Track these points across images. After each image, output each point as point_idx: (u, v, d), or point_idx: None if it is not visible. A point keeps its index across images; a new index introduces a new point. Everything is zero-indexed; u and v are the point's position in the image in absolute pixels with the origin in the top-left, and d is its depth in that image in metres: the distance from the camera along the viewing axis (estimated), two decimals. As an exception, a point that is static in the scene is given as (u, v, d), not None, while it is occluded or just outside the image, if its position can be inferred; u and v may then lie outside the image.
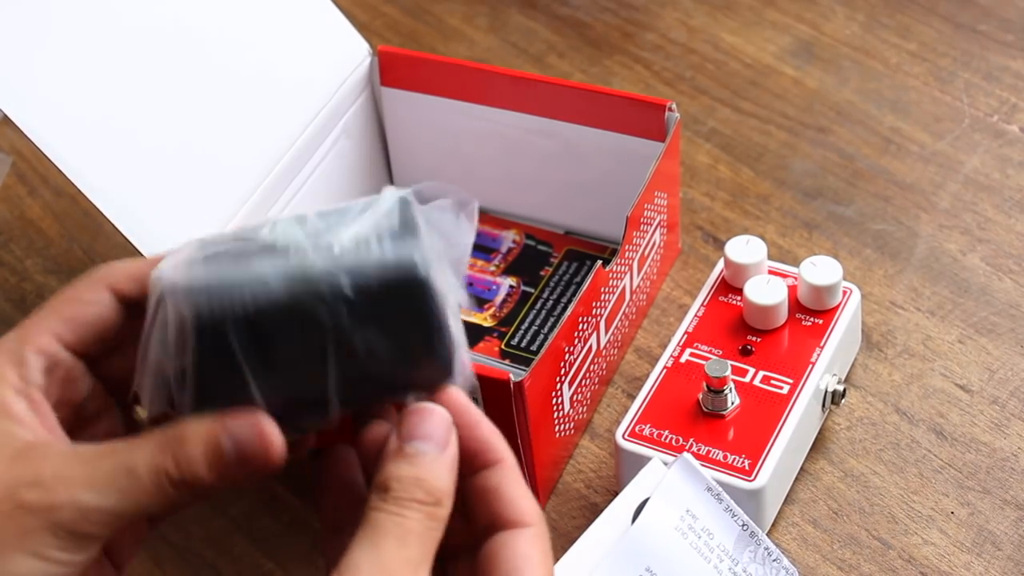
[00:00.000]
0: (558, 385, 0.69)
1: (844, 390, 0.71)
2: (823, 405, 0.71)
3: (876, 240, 0.82)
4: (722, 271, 0.75)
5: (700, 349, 0.72)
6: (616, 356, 0.77)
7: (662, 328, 0.79)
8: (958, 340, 0.77)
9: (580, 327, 0.70)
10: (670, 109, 0.76)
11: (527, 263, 0.83)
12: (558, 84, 0.79)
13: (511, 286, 0.81)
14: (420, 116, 0.83)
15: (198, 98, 0.74)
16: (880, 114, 0.90)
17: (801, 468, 0.71)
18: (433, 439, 0.47)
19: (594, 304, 0.71)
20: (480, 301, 0.81)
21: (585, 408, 0.74)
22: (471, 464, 0.49)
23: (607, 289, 0.73)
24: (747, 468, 0.66)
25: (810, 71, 0.94)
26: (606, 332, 0.74)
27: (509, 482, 0.48)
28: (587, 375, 0.73)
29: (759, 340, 0.72)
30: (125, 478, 0.49)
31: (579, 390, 0.72)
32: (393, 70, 0.82)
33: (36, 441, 0.50)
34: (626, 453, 0.68)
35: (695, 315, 0.73)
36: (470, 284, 0.81)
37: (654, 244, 0.78)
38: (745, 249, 0.74)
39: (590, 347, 0.72)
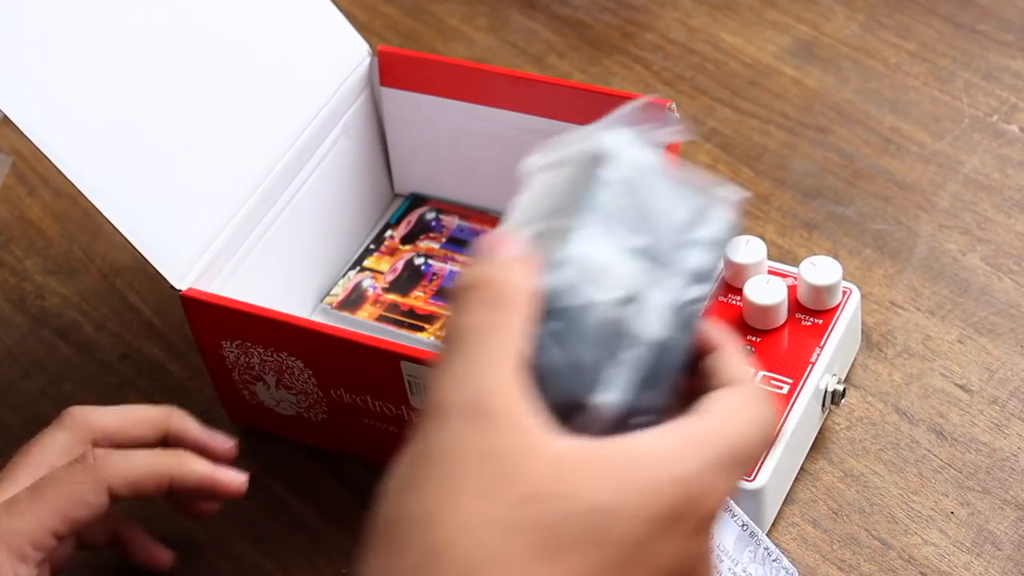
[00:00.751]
0: None
1: (844, 390, 0.71)
2: (823, 405, 0.71)
3: (876, 240, 0.82)
4: (722, 271, 0.75)
5: (700, 349, 0.71)
6: None
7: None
8: (958, 340, 0.77)
9: None
10: (670, 109, 0.76)
11: None
12: (558, 84, 0.79)
13: None
14: (420, 116, 0.83)
15: (198, 98, 0.74)
16: (880, 114, 0.90)
17: (801, 468, 0.71)
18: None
19: None
20: None
21: None
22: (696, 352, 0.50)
23: None
24: (747, 468, 0.66)
25: (810, 71, 0.94)
26: None
27: (726, 359, 0.49)
28: None
29: (759, 340, 0.72)
30: None
31: None
32: (393, 70, 0.82)
33: None
34: (626, 453, 0.68)
35: (695, 315, 0.73)
36: None
37: None
38: (745, 249, 0.74)
39: None
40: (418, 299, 0.81)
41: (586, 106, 0.78)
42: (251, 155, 0.75)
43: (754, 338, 0.72)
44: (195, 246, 0.71)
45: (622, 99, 0.77)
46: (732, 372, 0.49)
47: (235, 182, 0.74)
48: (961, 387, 0.74)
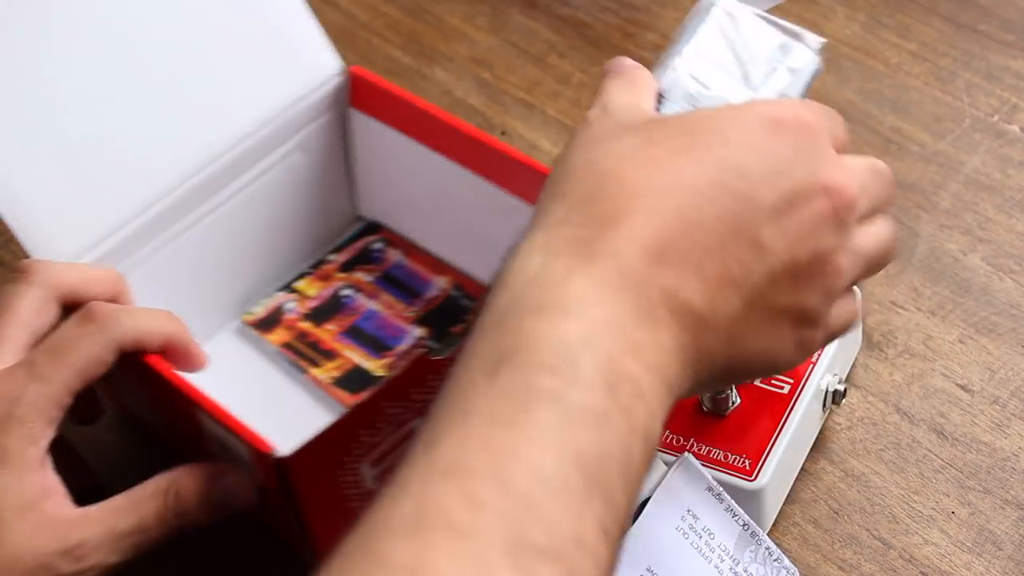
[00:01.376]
0: (351, 464, 0.65)
1: (845, 390, 0.71)
2: (824, 405, 0.71)
3: (877, 240, 0.82)
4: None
5: (701, 349, 0.71)
6: None
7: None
8: (959, 340, 0.77)
9: (390, 412, 0.64)
10: None
11: (443, 316, 0.79)
12: (515, 157, 0.73)
13: (417, 337, 0.78)
14: (384, 145, 0.79)
15: (121, 92, 0.71)
16: (880, 114, 0.90)
17: (802, 468, 0.71)
18: None
19: (413, 390, 0.65)
20: (381, 347, 0.77)
21: None
22: None
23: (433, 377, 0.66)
24: (748, 468, 0.66)
25: (811, 71, 0.94)
26: None
27: None
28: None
29: (760, 340, 0.71)
30: (140, 535, 0.60)
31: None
32: (363, 94, 0.78)
33: (57, 510, 0.59)
34: (627, 453, 0.68)
35: (696, 315, 0.73)
36: (381, 327, 0.78)
37: None
38: (746, 249, 0.73)
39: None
40: (327, 332, 0.78)
41: (536, 184, 0.74)
42: (175, 156, 0.72)
43: (755, 338, 0.72)
44: (84, 240, 0.69)
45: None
46: None
47: (148, 181, 0.71)
48: (962, 387, 0.74)
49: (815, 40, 0.65)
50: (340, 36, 1.02)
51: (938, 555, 0.67)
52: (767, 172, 0.50)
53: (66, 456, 0.64)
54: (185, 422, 0.65)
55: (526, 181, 0.73)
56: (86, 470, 0.71)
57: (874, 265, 0.55)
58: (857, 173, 0.54)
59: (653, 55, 0.97)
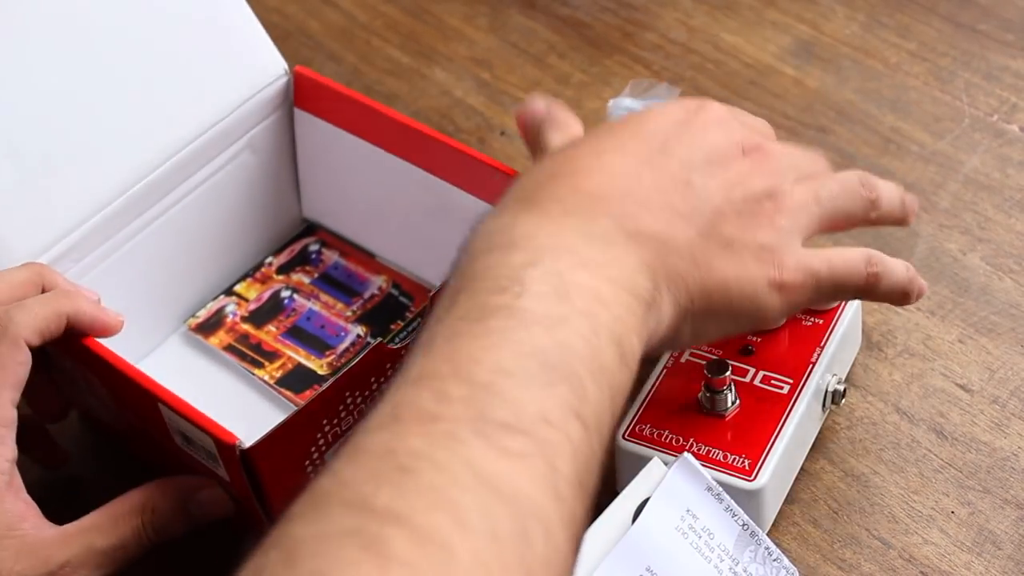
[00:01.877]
0: (316, 454, 0.65)
1: (844, 390, 0.71)
2: (823, 405, 0.71)
3: (876, 240, 0.82)
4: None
5: (700, 349, 0.71)
6: None
7: (662, 328, 0.79)
8: (958, 340, 0.77)
9: (351, 400, 0.65)
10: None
11: (383, 313, 0.79)
12: (462, 150, 0.74)
13: (358, 335, 0.78)
14: (327, 145, 0.79)
15: (69, 97, 0.71)
16: (880, 114, 0.90)
17: (801, 468, 0.71)
18: None
19: (372, 378, 0.67)
20: (323, 347, 0.78)
21: None
22: None
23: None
24: (747, 468, 0.66)
25: (810, 71, 0.94)
26: None
27: None
28: None
29: (759, 340, 0.71)
30: (119, 551, 0.62)
31: None
32: (307, 94, 0.79)
33: (36, 532, 0.60)
34: (626, 453, 0.68)
35: (695, 315, 0.73)
36: (322, 327, 0.79)
37: None
38: (745, 249, 0.74)
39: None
40: (268, 334, 0.79)
41: (464, 169, 0.75)
42: (126, 158, 0.72)
43: (755, 338, 0.72)
44: (33, 245, 0.69)
45: (500, 171, 0.73)
46: None
47: (98, 185, 0.71)
48: (961, 387, 0.74)
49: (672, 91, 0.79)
50: (340, 36, 1.02)
51: (938, 555, 0.67)
52: (688, 143, 0.59)
53: (35, 435, 0.65)
54: (149, 421, 0.65)
55: (470, 174, 0.74)
56: (55, 447, 0.72)
57: (828, 210, 0.62)
58: (775, 142, 0.63)
59: (652, 55, 0.97)
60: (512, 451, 0.45)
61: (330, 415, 0.65)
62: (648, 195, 0.56)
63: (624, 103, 0.80)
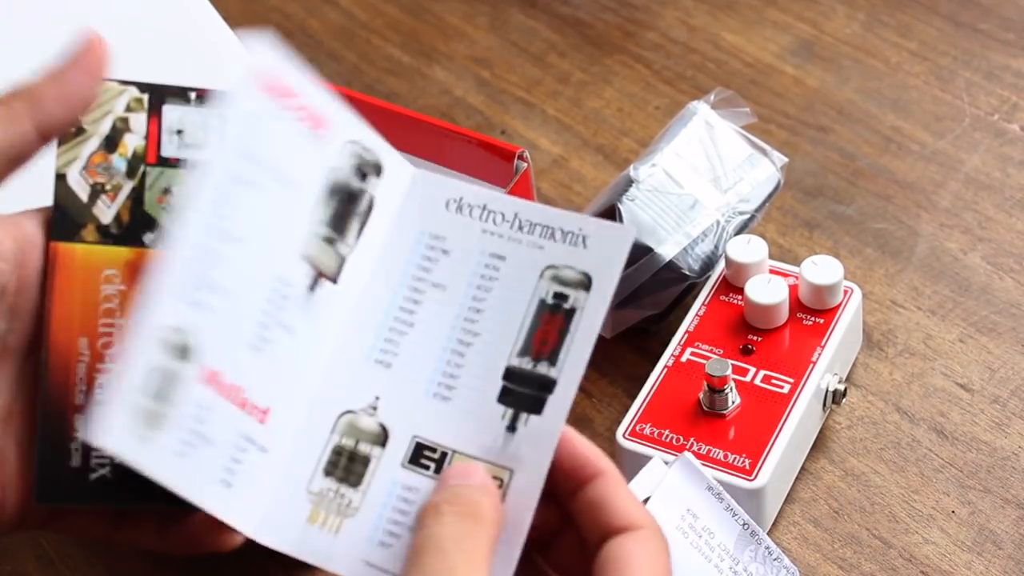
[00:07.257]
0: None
1: (845, 389, 0.71)
2: (824, 404, 0.71)
3: (877, 239, 0.82)
4: (723, 270, 0.75)
5: (701, 348, 0.72)
6: None
7: (662, 328, 0.79)
8: (959, 339, 0.77)
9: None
10: (520, 157, 0.75)
11: None
12: (413, 117, 0.75)
13: None
14: None
15: None
16: (881, 113, 0.90)
17: (802, 467, 0.71)
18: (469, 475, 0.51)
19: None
20: None
21: None
22: (573, 480, 0.50)
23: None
24: (748, 467, 0.66)
25: (811, 70, 0.94)
26: None
27: (614, 492, 0.49)
28: None
29: (760, 339, 0.72)
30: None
31: None
32: None
33: None
34: (627, 452, 0.68)
35: (696, 314, 0.73)
36: None
37: None
38: (746, 248, 0.74)
39: None
40: None
41: (436, 142, 0.75)
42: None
43: (755, 337, 0.72)
44: None
45: (473, 141, 0.74)
46: (628, 512, 0.49)
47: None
48: (962, 386, 0.74)
49: (779, 158, 0.76)
50: (340, 35, 1.02)
51: (938, 554, 0.67)
52: None
53: None
54: None
55: (475, 161, 0.74)
56: None
57: None
58: None
59: (653, 54, 0.97)
60: None
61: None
62: None
63: (697, 109, 0.77)
